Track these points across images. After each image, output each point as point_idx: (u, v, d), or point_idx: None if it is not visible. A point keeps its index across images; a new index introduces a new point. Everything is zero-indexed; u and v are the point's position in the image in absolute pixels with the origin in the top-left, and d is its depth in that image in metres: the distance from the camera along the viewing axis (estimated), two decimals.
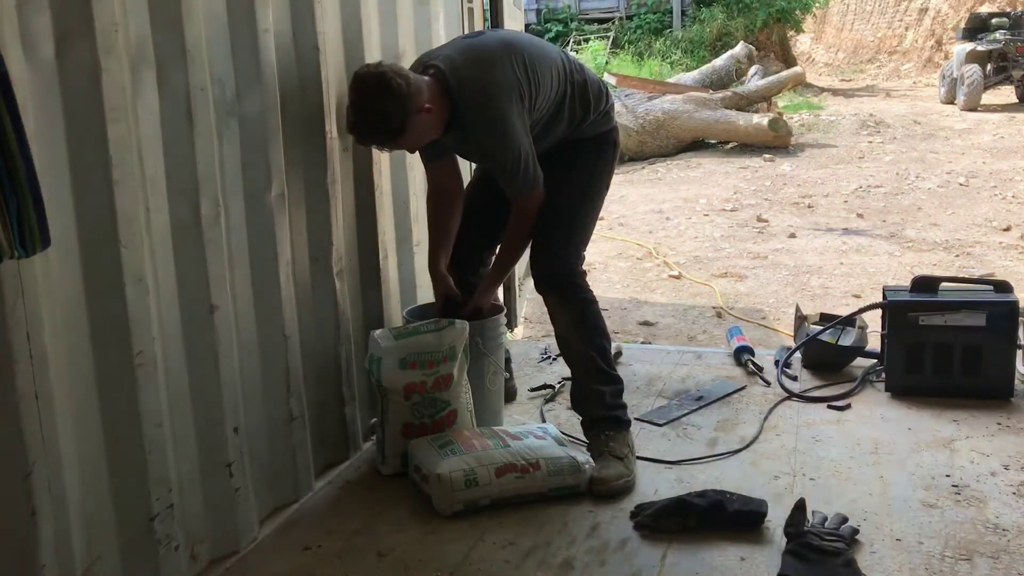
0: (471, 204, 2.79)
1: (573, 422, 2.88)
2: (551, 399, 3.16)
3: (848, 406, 3.00)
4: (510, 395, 3.14)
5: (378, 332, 2.60)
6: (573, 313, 2.61)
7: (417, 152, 2.68)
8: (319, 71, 2.48)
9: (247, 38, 2.20)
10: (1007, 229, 6.40)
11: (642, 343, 4.22)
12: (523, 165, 2.46)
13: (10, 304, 1.56)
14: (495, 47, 2.50)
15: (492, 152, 2.48)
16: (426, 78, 2.42)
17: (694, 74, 12.77)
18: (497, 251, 2.70)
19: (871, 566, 2.04)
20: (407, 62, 3.01)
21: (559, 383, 3.24)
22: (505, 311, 2.86)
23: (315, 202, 2.52)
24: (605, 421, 2.60)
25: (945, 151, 9.70)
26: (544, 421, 2.93)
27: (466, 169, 3.01)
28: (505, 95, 2.41)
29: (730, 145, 10.54)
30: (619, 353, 3.54)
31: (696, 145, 10.73)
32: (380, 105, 2.32)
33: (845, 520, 2.19)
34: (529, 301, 4.63)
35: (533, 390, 3.23)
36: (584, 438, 2.65)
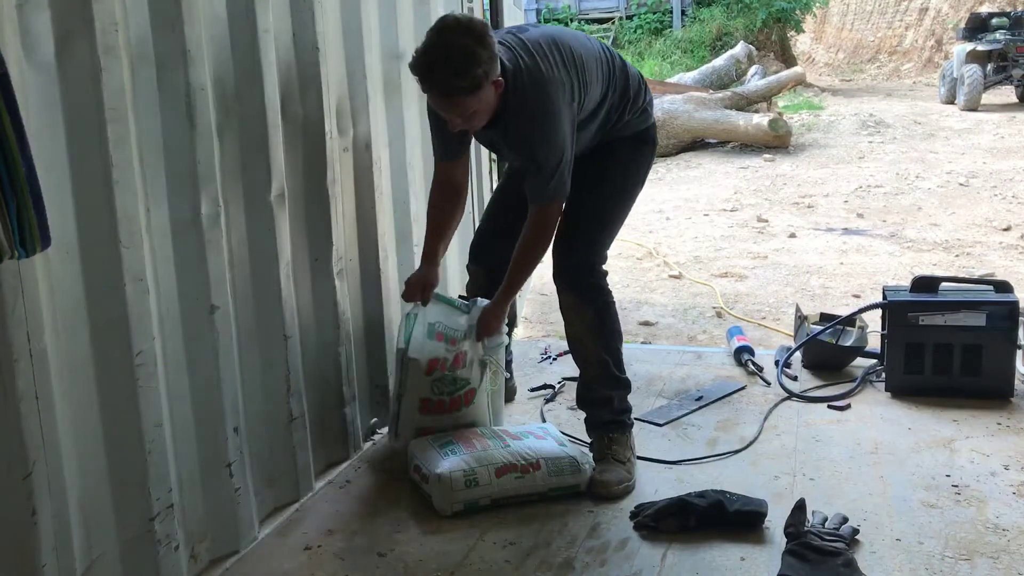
0: (501, 197, 2.74)
1: (573, 422, 2.88)
2: (551, 399, 3.16)
3: (848, 406, 3.00)
4: (510, 395, 3.14)
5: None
6: (591, 315, 2.54)
7: (435, 149, 2.60)
8: (319, 71, 2.48)
9: (247, 38, 2.20)
10: (1007, 229, 6.40)
11: (642, 343, 4.21)
12: (560, 169, 2.35)
13: (10, 304, 1.56)
14: (546, 45, 2.39)
15: (534, 147, 2.34)
16: None
17: (694, 74, 12.77)
18: (510, 263, 2.51)
19: (871, 566, 2.04)
20: (407, 62, 3.02)
21: (559, 383, 3.24)
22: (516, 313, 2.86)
23: (315, 202, 2.52)
24: (611, 424, 2.58)
25: (945, 151, 9.70)
26: (544, 421, 2.93)
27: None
28: (560, 94, 2.32)
29: (730, 145, 10.53)
30: None
31: (696, 145, 10.73)
32: (473, 47, 2.15)
33: (845, 520, 2.19)
34: (529, 301, 4.63)
35: (533, 390, 3.23)
36: (586, 437, 2.65)
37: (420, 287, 2.61)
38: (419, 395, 2.58)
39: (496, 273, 2.60)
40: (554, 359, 3.51)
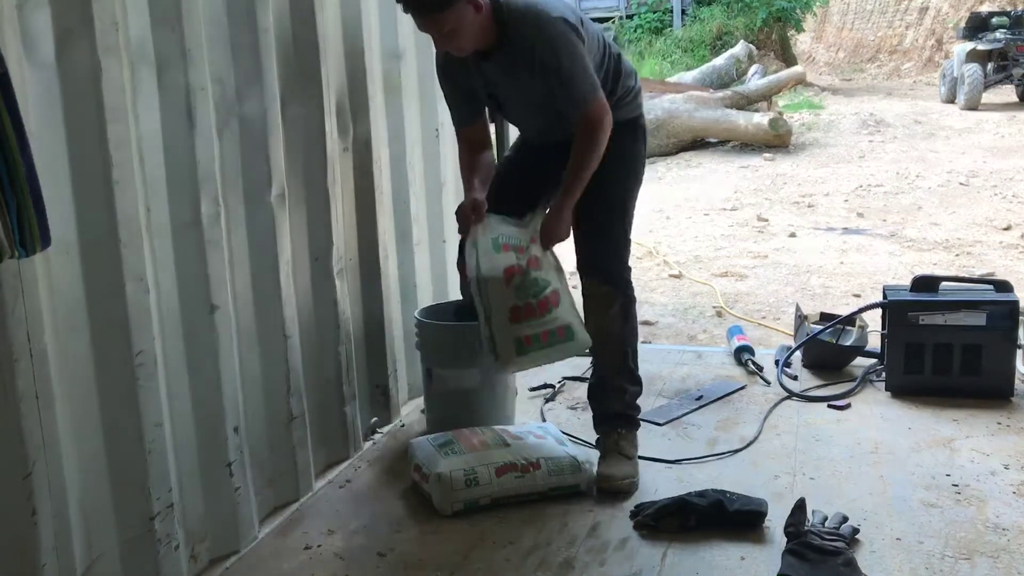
0: (507, 170, 2.73)
1: (573, 422, 2.89)
2: (551, 398, 3.16)
3: (848, 406, 3.00)
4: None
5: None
6: (618, 306, 2.58)
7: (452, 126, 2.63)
8: (319, 71, 2.48)
9: (247, 38, 2.20)
10: (1007, 228, 6.39)
11: (642, 342, 4.20)
12: (576, 63, 2.36)
13: (10, 304, 1.56)
14: None
15: (541, 55, 2.36)
16: None
17: (694, 73, 12.76)
18: (568, 172, 2.48)
19: (871, 566, 2.04)
20: (407, 62, 3.02)
21: (559, 383, 3.24)
22: None
23: (315, 202, 2.52)
24: (620, 418, 2.60)
25: (945, 150, 9.70)
26: (544, 421, 2.93)
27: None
28: (556, 10, 2.37)
29: (730, 144, 10.52)
30: None
31: (696, 144, 10.72)
32: None
33: (845, 519, 2.19)
34: None
35: (533, 390, 3.23)
36: (585, 436, 2.65)
37: (472, 209, 2.54)
38: (506, 306, 2.47)
39: None
40: None
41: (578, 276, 2.61)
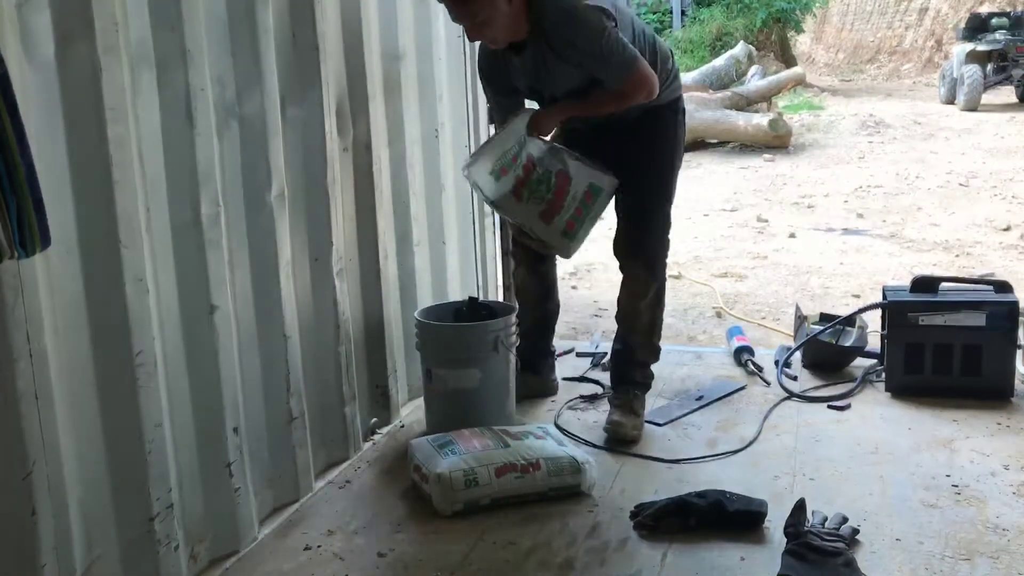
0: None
1: (573, 422, 2.89)
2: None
3: (848, 406, 3.00)
4: (551, 391, 3.16)
5: (463, 166, 2.68)
6: (654, 290, 2.78)
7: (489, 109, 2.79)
8: (319, 71, 2.48)
9: (247, 38, 2.20)
10: (1007, 229, 6.39)
11: None
12: (611, 39, 2.44)
13: (10, 304, 1.56)
14: None
15: (575, 39, 2.43)
16: None
17: (694, 74, 12.75)
18: (589, 94, 2.60)
19: (871, 566, 2.04)
20: (407, 62, 3.02)
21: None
22: (516, 310, 2.87)
23: (315, 202, 2.52)
24: (638, 384, 2.87)
25: (945, 151, 9.70)
26: (556, 423, 2.93)
27: None
28: (588, 6, 2.45)
29: (730, 145, 10.53)
30: None
31: (696, 145, 10.71)
32: None
33: (845, 520, 2.18)
34: None
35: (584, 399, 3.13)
36: (585, 435, 2.71)
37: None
38: (535, 214, 2.62)
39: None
40: (556, 357, 3.50)
41: (615, 256, 2.78)
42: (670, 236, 2.80)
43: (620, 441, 2.68)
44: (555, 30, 2.46)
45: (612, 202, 2.77)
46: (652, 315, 2.83)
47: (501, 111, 2.79)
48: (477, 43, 2.79)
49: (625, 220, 2.73)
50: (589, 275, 5.45)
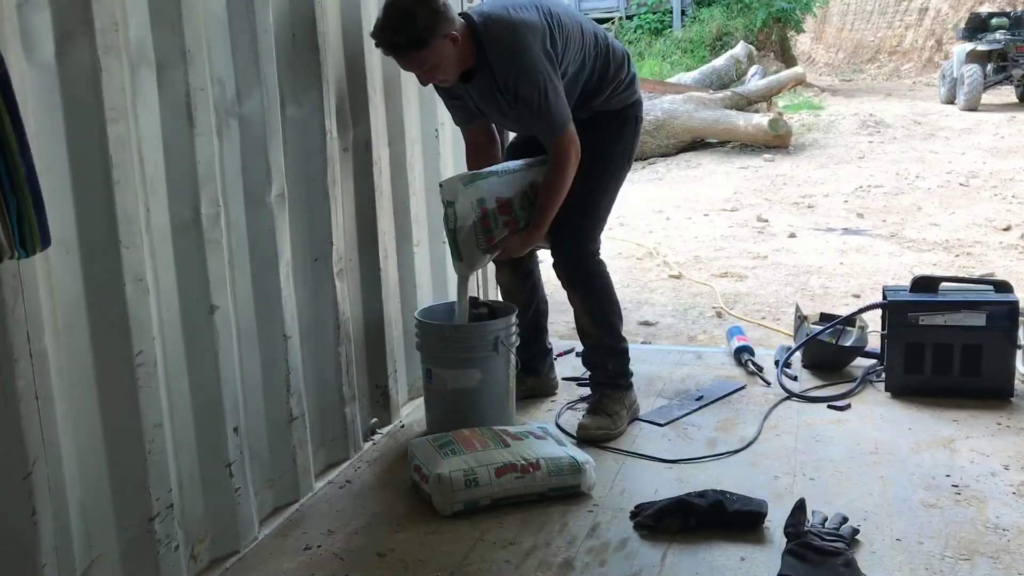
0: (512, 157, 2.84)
1: (574, 423, 2.89)
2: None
3: (848, 406, 3.00)
4: (550, 390, 3.18)
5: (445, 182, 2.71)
6: (584, 297, 2.82)
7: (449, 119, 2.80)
8: (319, 71, 2.48)
9: (247, 38, 2.20)
10: (1007, 229, 6.39)
11: (642, 343, 4.21)
12: (550, 99, 2.48)
13: (10, 304, 1.56)
14: (524, 1, 2.55)
15: (516, 86, 2.48)
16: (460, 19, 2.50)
17: (694, 74, 12.76)
18: (539, 203, 2.67)
19: (871, 566, 2.04)
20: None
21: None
22: (517, 311, 2.87)
23: (315, 202, 2.52)
24: (605, 385, 2.89)
25: (945, 151, 9.69)
26: (557, 423, 2.93)
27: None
28: (531, 33, 2.47)
29: (730, 145, 10.52)
30: None
31: (696, 145, 10.72)
32: (411, 7, 2.37)
33: (845, 520, 2.18)
34: None
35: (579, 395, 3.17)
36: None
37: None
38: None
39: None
40: (556, 358, 3.50)
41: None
42: (601, 230, 2.82)
43: (588, 442, 2.70)
44: (501, 68, 2.49)
45: None
46: (597, 320, 2.84)
47: (457, 117, 2.85)
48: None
49: (553, 227, 2.70)
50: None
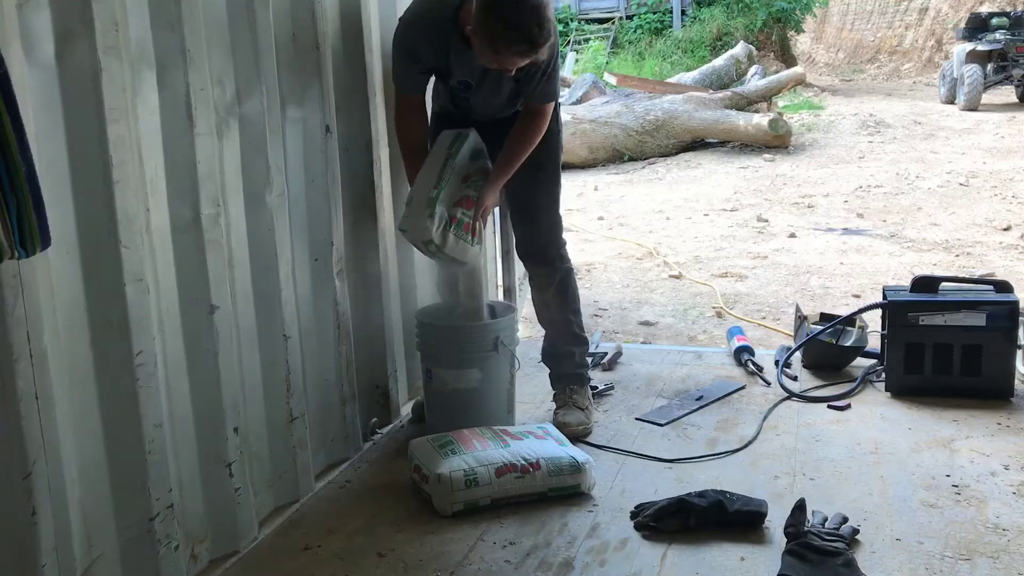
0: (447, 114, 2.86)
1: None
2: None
3: (848, 406, 3.00)
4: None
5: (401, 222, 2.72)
6: (557, 282, 2.89)
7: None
8: (319, 71, 2.48)
9: (247, 38, 2.20)
10: (1007, 229, 6.39)
11: (642, 343, 4.21)
12: (559, 67, 2.60)
13: (10, 304, 1.56)
14: None
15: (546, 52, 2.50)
16: None
17: (694, 74, 12.77)
18: (503, 154, 2.73)
19: (871, 566, 2.04)
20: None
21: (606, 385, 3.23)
22: (518, 311, 2.88)
23: (315, 202, 2.52)
24: (572, 377, 2.94)
25: (945, 151, 9.70)
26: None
27: None
28: (551, 5, 2.51)
29: (730, 145, 10.53)
30: (619, 353, 3.54)
31: (696, 145, 10.72)
32: (550, 14, 2.38)
33: (845, 520, 2.19)
34: (529, 301, 4.62)
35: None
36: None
37: None
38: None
39: None
40: None
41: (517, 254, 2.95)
42: (562, 230, 2.92)
43: (574, 439, 2.70)
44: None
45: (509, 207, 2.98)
46: (563, 305, 2.92)
47: (410, 84, 2.73)
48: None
49: (519, 218, 2.90)
50: (589, 275, 5.45)
